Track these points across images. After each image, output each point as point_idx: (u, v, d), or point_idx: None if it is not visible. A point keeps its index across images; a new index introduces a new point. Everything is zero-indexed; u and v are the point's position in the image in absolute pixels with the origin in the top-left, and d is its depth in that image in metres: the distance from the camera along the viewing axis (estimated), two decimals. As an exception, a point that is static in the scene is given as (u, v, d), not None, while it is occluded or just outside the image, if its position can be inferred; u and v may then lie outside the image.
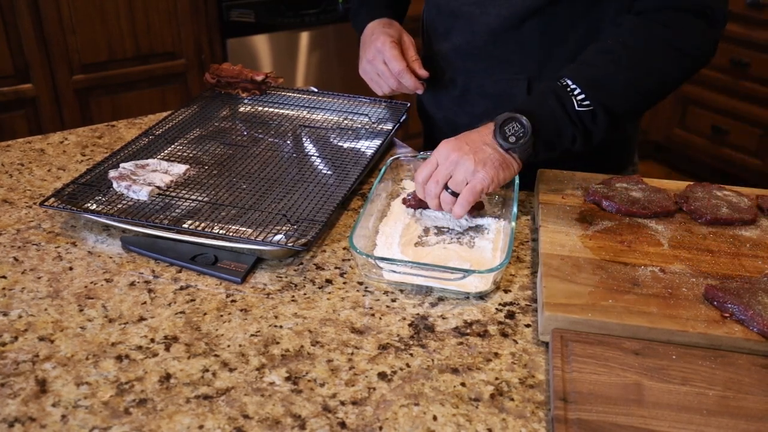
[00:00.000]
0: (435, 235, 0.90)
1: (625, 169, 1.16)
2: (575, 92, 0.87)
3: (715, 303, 0.73)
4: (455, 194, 0.85)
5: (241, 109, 1.28)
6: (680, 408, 0.61)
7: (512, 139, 0.84)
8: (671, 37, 0.90)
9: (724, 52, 2.75)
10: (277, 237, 0.86)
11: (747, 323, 0.70)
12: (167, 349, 0.71)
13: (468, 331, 0.75)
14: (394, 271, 0.81)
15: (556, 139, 0.88)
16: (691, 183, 0.97)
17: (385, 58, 1.05)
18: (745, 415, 0.61)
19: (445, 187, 0.86)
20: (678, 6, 0.90)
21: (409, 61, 1.06)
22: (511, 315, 0.77)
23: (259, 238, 0.85)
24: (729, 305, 0.71)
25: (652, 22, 0.91)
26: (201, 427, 0.61)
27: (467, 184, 0.84)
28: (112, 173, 0.97)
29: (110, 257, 0.86)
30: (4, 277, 0.82)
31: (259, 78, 1.28)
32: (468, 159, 0.84)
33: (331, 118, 1.25)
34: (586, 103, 0.87)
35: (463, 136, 0.87)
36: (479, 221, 0.92)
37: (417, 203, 0.92)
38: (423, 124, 1.29)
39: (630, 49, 0.89)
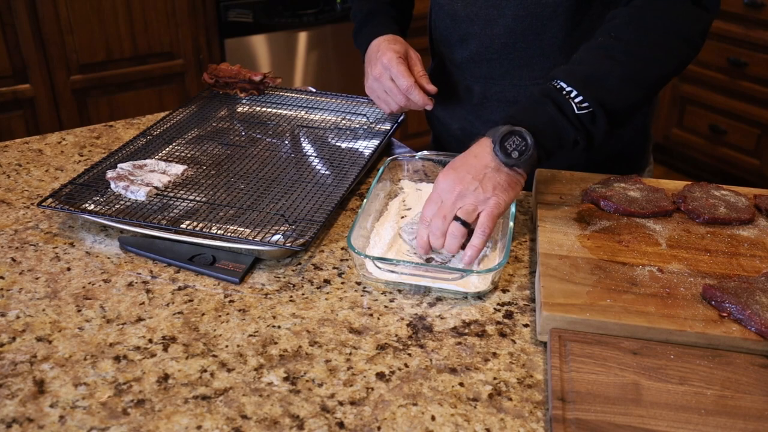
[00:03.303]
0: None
1: (642, 171, 1.16)
2: (572, 95, 0.83)
3: (713, 302, 0.73)
4: (465, 224, 0.80)
5: (239, 110, 1.28)
6: (678, 407, 0.62)
7: (515, 154, 0.80)
8: (665, 23, 0.87)
9: (722, 52, 2.76)
10: (275, 237, 0.86)
11: (745, 323, 0.70)
12: (165, 349, 0.71)
13: (466, 331, 0.75)
14: (393, 271, 0.81)
15: (558, 145, 0.85)
16: (689, 182, 0.97)
17: (392, 74, 1.03)
18: (742, 415, 0.61)
19: (455, 218, 0.81)
20: None
21: (417, 77, 1.04)
22: (509, 315, 0.77)
23: (257, 239, 0.85)
24: (727, 305, 0.71)
25: (644, 10, 0.88)
26: (199, 427, 0.61)
27: (480, 213, 0.80)
28: (109, 174, 0.97)
29: (108, 258, 0.86)
30: (1, 277, 0.82)
31: (257, 78, 1.28)
32: (475, 187, 0.80)
33: (329, 118, 1.25)
34: (585, 105, 0.83)
35: (461, 165, 0.83)
36: None
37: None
38: (433, 132, 1.28)
39: (624, 42, 0.86)
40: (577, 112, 0.83)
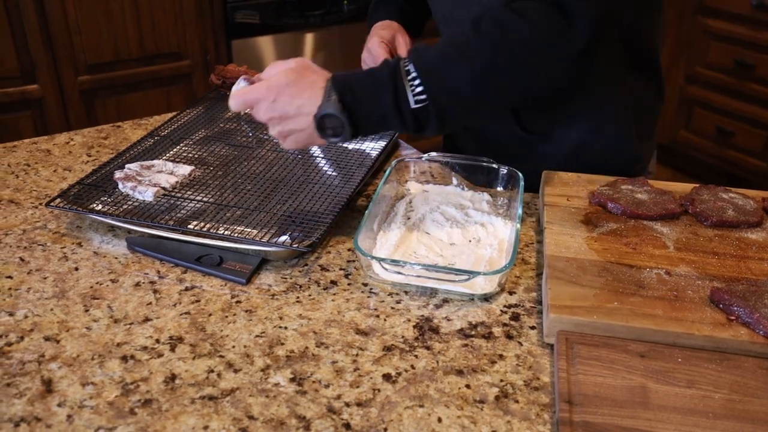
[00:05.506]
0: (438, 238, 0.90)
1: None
2: (415, 83, 0.79)
3: (721, 306, 0.72)
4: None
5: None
6: (686, 411, 0.61)
7: (329, 132, 0.81)
8: (532, 34, 0.80)
9: (729, 53, 2.75)
10: (282, 238, 0.86)
11: (753, 326, 0.69)
12: (172, 349, 0.71)
13: (473, 332, 0.74)
14: (399, 273, 0.81)
15: (380, 131, 0.84)
16: (697, 185, 0.97)
17: (373, 58, 1.07)
18: (751, 419, 0.61)
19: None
20: None
21: None
22: (515, 317, 0.77)
23: (264, 239, 0.85)
24: (735, 308, 0.71)
25: (512, 13, 0.81)
26: (206, 427, 0.62)
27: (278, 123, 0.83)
28: (117, 174, 0.97)
29: (116, 258, 0.86)
30: (10, 277, 0.82)
31: (265, 79, 1.28)
32: (278, 125, 0.82)
33: (336, 119, 1.25)
34: (423, 97, 0.79)
35: (298, 84, 0.81)
36: (484, 219, 0.92)
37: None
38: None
39: (479, 42, 0.80)
40: (413, 106, 0.79)
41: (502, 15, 0.82)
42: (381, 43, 1.08)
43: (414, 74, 0.79)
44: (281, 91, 0.81)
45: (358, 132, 0.82)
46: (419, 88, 0.79)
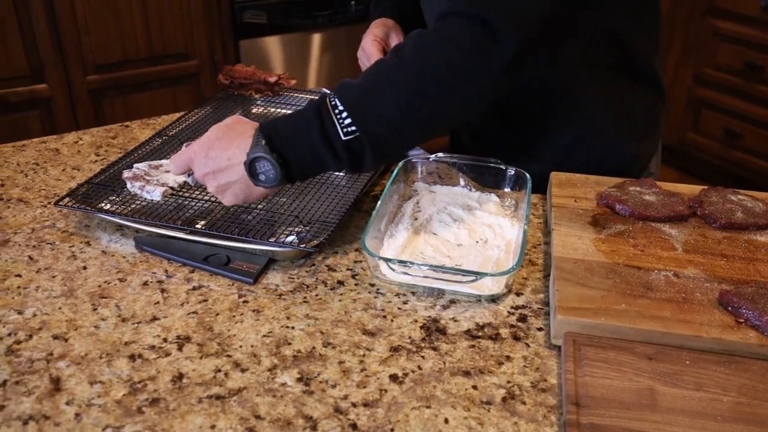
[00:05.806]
0: (445, 239, 0.90)
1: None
2: (343, 115, 0.78)
3: (730, 308, 0.72)
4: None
5: (254, 111, 1.28)
6: (694, 414, 0.61)
7: (262, 177, 0.80)
8: (454, 52, 0.78)
9: (738, 55, 2.73)
10: (290, 238, 0.86)
11: (762, 329, 0.69)
12: (180, 348, 0.71)
13: (480, 334, 0.74)
14: (406, 273, 0.81)
15: (317, 171, 0.84)
16: (705, 187, 0.96)
17: (366, 56, 1.09)
18: (759, 422, 0.61)
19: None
20: (464, 13, 0.78)
21: None
22: (523, 318, 0.77)
23: (272, 239, 0.85)
24: (744, 310, 0.71)
25: (435, 34, 0.80)
26: (213, 427, 0.62)
27: (207, 178, 0.84)
28: (125, 173, 0.97)
29: (124, 257, 0.87)
30: (19, 275, 0.83)
31: (272, 79, 1.28)
32: (213, 180, 0.83)
33: (344, 119, 1.25)
34: (353, 128, 0.78)
35: (228, 137, 0.81)
36: (492, 220, 0.92)
37: None
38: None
39: (403, 68, 0.80)
40: (343, 138, 0.78)
41: (424, 38, 0.81)
42: (374, 41, 1.09)
43: (341, 108, 0.78)
44: (212, 146, 0.82)
45: (292, 174, 0.81)
46: (348, 120, 0.78)
